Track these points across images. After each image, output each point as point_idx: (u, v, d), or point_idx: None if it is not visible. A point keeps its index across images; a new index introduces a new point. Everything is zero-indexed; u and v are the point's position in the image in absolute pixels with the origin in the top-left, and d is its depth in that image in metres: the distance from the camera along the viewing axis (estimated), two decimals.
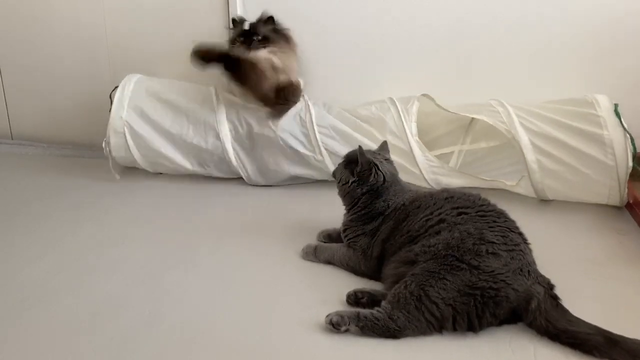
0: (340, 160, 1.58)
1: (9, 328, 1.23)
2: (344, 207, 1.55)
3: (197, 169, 2.11)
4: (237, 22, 2.06)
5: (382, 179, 1.46)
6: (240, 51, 1.97)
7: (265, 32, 2.00)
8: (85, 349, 1.16)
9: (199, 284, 1.41)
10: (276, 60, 1.97)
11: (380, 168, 1.46)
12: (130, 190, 2.05)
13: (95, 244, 1.63)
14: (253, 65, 1.94)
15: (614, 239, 1.65)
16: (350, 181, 1.48)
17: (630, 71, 2.08)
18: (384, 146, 1.59)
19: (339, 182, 1.53)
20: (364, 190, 1.46)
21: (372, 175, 1.45)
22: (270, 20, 2.03)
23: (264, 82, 1.96)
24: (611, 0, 2.03)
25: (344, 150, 1.90)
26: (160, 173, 2.20)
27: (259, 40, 1.98)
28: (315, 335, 1.18)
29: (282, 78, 1.97)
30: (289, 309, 1.29)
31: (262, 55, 1.96)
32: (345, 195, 1.51)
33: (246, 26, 2.01)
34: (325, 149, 1.99)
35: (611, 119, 1.76)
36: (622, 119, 1.76)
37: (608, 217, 1.79)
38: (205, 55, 1.98)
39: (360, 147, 1.47)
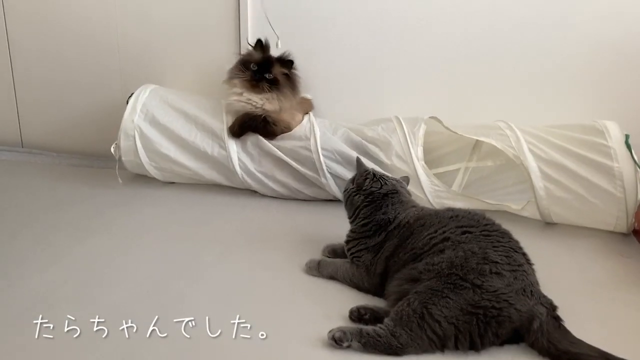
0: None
1: (15, 336, 1.23)
2: (348, 220, 1.56)
3: (203, 172, 2.12)
4: (260, 45, 2.07)
5: (379, 186, 1.50)
6: (240, 83, 2.02)
7: (278, 74, 2.02)
8: (89, 359, 1.16)
9: (203, 296, 1.41)
10: (269, 106, 2.01)
11: (376, 176, 1.53)
12: (137, 201, 2.06)
13: (102, 254, 1.64)
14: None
15: (618, 261, 1.65)
16: (349, 188, 1.56)
17: (637, 94, 2.09)
18: (404, 179, 1.61)
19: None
20: (362, 197, 1.50)
21: (368, 180, 1.51)
22: (289, 63, 2.05)
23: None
24: (619, 25, 2.05)
25: (348, 174, 1.92)
26: (171, 182, 2.22)
27: (267, 80, 2.00)
28: (318, 351, 1.18)
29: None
30: (292, 324, 1.30)
31: (255, 100, 2.01)
32: (346, 203, 1.56)
33: (266, 54, 2.04)
34: (330, 173, 2.00)
35: (622, 151, 1.74)
36: (633, 151, 1.74)
37: (613, 240, 1.79)
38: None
39: (358, 157, 1.65)
